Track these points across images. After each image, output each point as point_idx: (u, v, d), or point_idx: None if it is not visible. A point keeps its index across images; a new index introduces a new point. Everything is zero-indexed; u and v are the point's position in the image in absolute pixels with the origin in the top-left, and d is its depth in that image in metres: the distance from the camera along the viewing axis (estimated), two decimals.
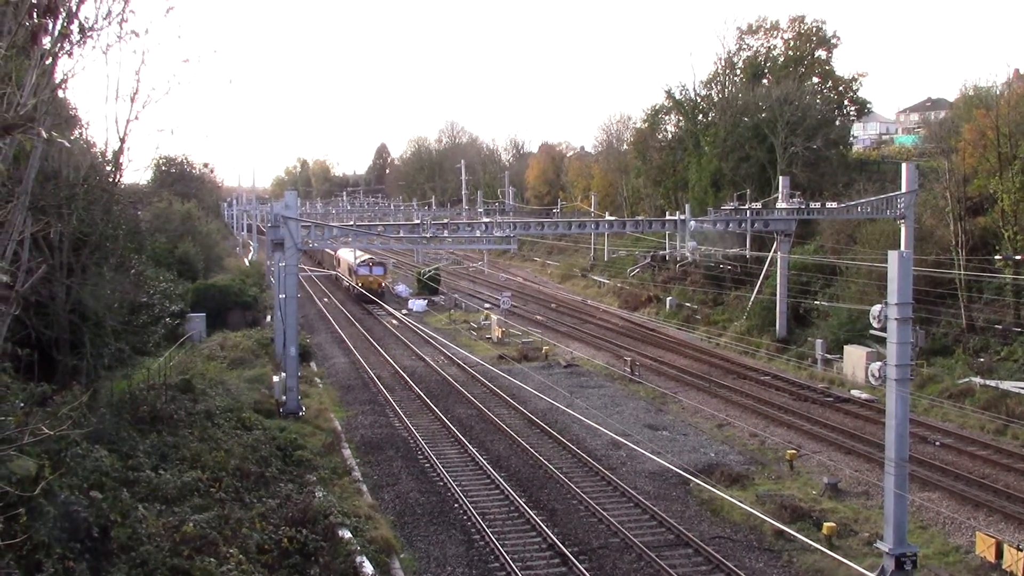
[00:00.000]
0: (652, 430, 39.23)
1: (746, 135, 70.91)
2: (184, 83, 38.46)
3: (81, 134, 31.97)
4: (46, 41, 12.59)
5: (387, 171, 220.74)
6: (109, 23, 13.91)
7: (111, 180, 30.66)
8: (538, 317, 70.46)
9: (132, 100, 27.22)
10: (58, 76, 13.91)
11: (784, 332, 56.09)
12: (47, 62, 12.41)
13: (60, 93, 21.45)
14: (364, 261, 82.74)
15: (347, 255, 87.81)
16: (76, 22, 12.87)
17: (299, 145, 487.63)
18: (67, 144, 21.95)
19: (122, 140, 28.24)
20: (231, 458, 26.88)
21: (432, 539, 27.10)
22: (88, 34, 13.33)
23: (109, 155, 29.75)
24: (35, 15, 11.88)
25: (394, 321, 68.67)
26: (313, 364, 53.51)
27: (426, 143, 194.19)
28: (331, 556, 21.81)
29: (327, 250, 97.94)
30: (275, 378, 41.40)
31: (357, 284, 79.62)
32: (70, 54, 13.37)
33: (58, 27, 12.54)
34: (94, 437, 22.02)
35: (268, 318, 61.90)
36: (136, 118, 27.72)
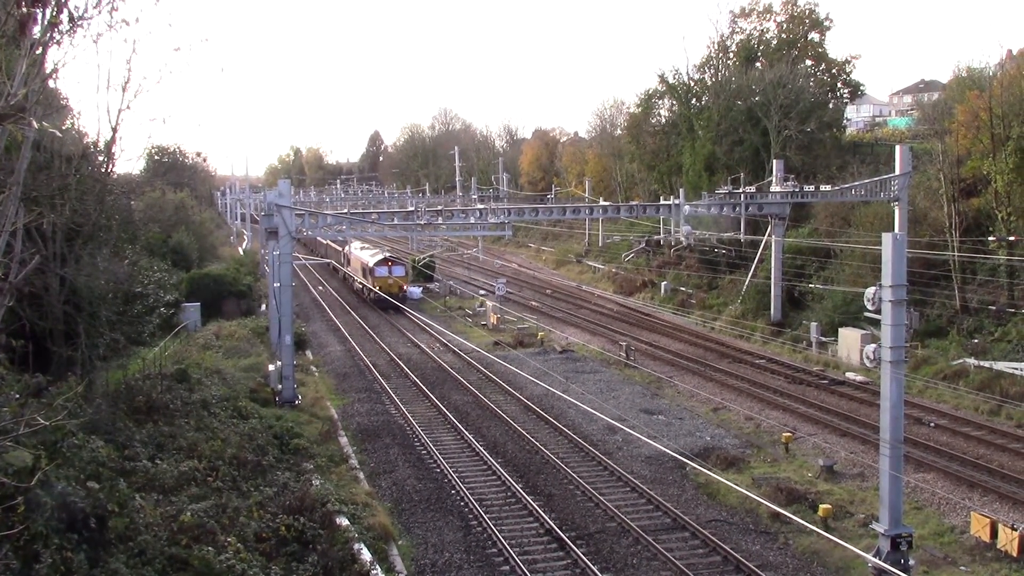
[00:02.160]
0: (648, 414, 39.32)
1: (739, 119, 70.81)
2: (176, 72, 38.47)
3: (73, 124, 31.93)
4: (36, 30, 12.52)
5: (380, 158, 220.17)
6: (99, 11, 13.78)
7: (104, 170, 30.56)
8: (533, 303, 70.51)
9: (124, 89, 27.14)
10: (48, 66, 13.81)
11: (779, 315, 56.19)
12: (37, 52, 12.35)
13: (51, 83, 21.39)
14: (381, 260, 71.66)
15: (360, 252, 78.34)
16: (65, 11, 12.77)
17: (292, 133, 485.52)
18: (59, 134, 21.84)
19: (114, 130, 28.15)
20: (228, 447, 26.91)
21: (430, 525, 27.17)
22: (78, 23, 13.23)
23: (101, 145, 29.65)
24: (24, 4, 11.81)
25: (389, 309, 68.62)
26: (308, 352, 53.55)
27: (419, 130, 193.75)
28: (329, 543, 21.86)
29: (332, 243, 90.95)
30: (271, 367, 41.41)
31: (374, 286, 68.89)
32: (60, 43, 13.29)
33: (47, 16, 12.46)
34: (90, 427, 22.04)
35: (263, 307, 61.83)
36: (128, 107, 27.64)
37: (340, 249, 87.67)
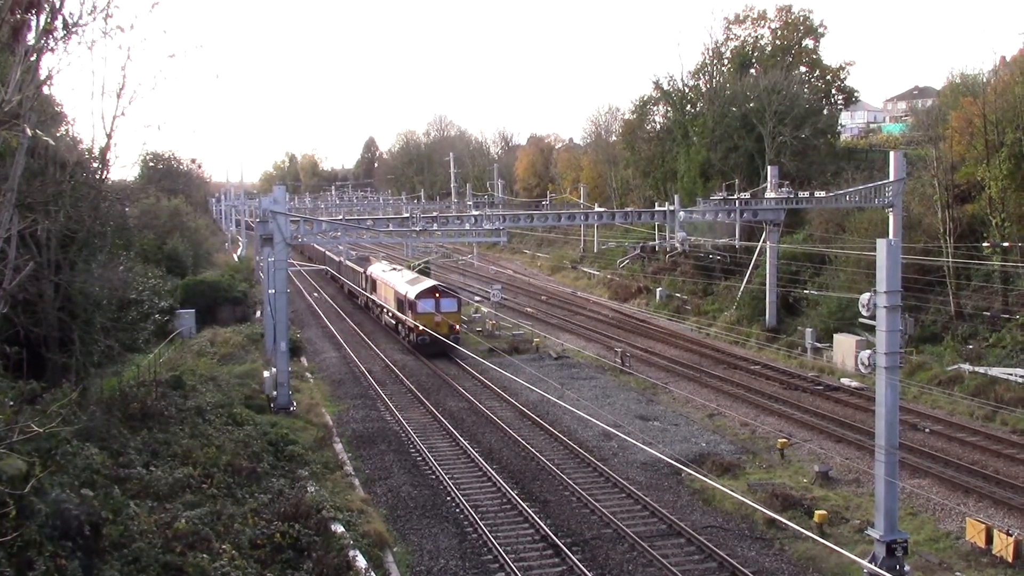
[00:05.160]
0: (643, 420, 39.31)
1: (734, 125, 70.97)
2: (170, 78, 38.47)
3: (67, 131, 31.93)
4: (30, 37, 12.53)
5: (376, 165, 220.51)
6: (94, 18, 13.84)
7: (98, 176, 30.59)
8: (528, 309, 70.46)
9: (118, 96, 27.29)
10: (43, 72, 13.83)
11: (774, 321, 56.23)
12: (31, 58, 12.35)
13: (45, 90, 21.35)
14: (426, 290, 54.57)
15: (391, 276, 62.56)
16: (60, 18, 12.80)
17: (287, 140, 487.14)
18: (51, 143, 21.85)
19: (109, 136, 28.24)
20: (222, 454, 26.86)
21: (425, 532, 27.12)
22: (72, 30, 13.26)
23: (96, 151, 29.72)
24: (18, 10, 11.81)
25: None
26: (304, 359, 53.46)
27: (414, 136, 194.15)
28: (324, 550, 21.81)
29: (348, 262, 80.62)
30: (266, 373, 41.35)
31: (416, 324, 53.08)
32: (54, 50, 13.31)
33: (42, 22, 12.47)
34: (84, 435, 21.99)
35: (258, 313, 61.78)
36: (122, 114, 27.78)
37: (359, 270, 73.54)
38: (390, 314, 61.32)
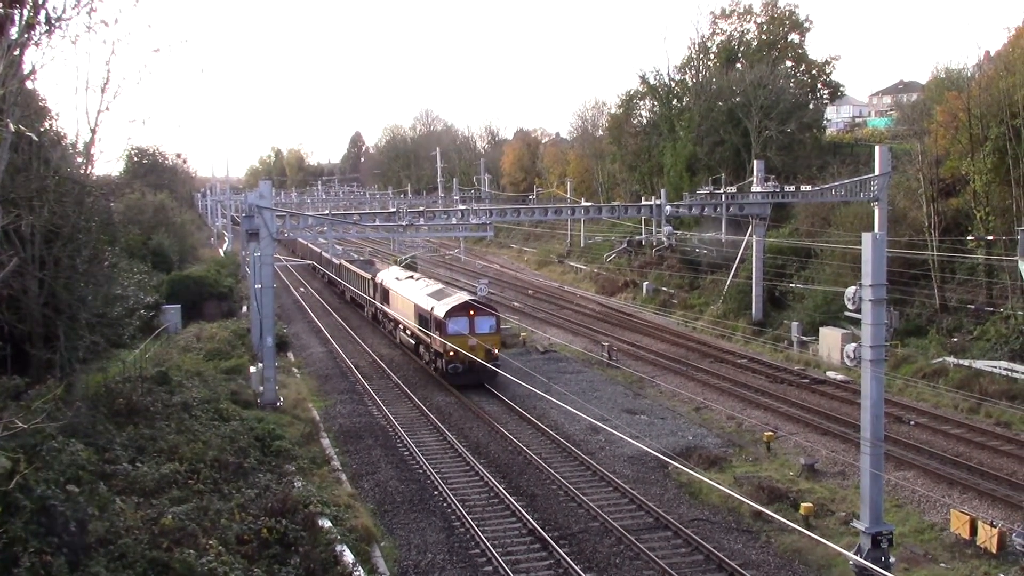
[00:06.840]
0: (630, 414, 39.39)
1: (720, 119, 71.10)
2: (155, 73, 38.38)
3: (51, 126, 31.70)
4: (13, 31, 12.46)
5: (362, 160, 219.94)
6: (77, 13, 13.78)
7: (82, 172, 30.42)
8: (515, 304, 70.47)
9: (103, 91, 27.16)
10: (26, 67, 13.76)
11: (760, 315, 56.40)
12: (14, 53, 12.28)
13: (29, 84, 21.23)
14: (458, 307, 43.55)
15: (408, 287, 51.84)
16: (43, 12, 12.73)
17: (273, 134, 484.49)
18: (35, 138, 21.71)
19: (93, 131, 28.09)
20: (209, 449, 26.78)
21: (412, 527, 27.11)
22: (56, 24, 13.21)
23: (80, 146, 29.56)
24: (0, 5, 11.75)
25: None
26: (290, 354, 53.33)
27: (401, 131, 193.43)
28: (311, 545, 21.78)
29: (349, 265, 71.31)
30: (252, 369, 41.24)
31: (446, 347, 42.43)
32: (38, 45, 13.24)
33: (25, 17, 12.41)
34: (70, 431, 21.90)
35: (244, 308, 61.58)
36: (107, 109, 27.64)
37: (365, 275, 64.00)
38: (408, 332, 50.96)
